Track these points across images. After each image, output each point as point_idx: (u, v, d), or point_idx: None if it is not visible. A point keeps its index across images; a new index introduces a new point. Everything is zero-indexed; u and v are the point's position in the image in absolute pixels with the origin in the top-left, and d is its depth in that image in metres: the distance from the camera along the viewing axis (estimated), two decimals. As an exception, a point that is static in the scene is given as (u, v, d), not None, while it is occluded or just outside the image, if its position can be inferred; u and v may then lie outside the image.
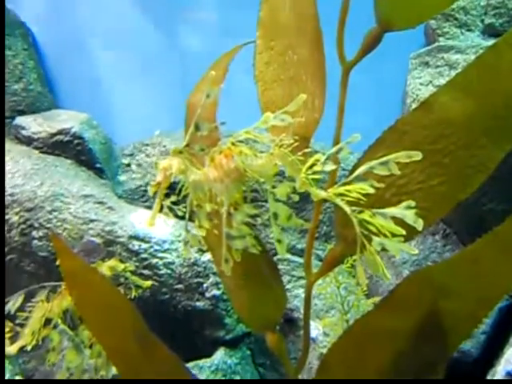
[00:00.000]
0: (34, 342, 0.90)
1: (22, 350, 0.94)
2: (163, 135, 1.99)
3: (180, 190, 0.56)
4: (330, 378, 0.63)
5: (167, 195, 0.56)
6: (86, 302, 0.66)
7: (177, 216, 0.57)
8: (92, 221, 1.70)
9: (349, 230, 0.53)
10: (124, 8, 2.09)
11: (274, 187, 0.54)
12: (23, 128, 1.94)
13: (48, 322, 0.91)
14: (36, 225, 1.71)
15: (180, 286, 1.65)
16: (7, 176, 1.75)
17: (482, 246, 0.56)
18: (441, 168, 0.59)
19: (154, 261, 1.65)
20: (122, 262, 1.07)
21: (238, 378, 1.61)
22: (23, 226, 1.71)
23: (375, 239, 0.51)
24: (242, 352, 1.67)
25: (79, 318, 0.88)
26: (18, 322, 0.94)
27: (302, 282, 1.69)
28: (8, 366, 1.66)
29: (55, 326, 0.89)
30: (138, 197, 1.92)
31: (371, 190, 0.51)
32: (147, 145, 1.98)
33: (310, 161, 0.53)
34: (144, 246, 1.67)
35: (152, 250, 1.66)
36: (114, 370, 0.86)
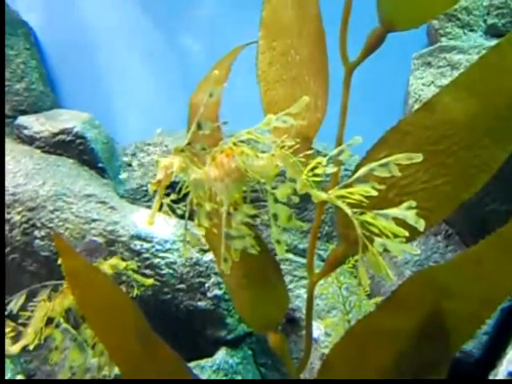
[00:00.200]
0: (36, 342, 0.91)
1: (24, 349, 0.95)
2: (165, 135, 1.99)
3: (180, 189, 0.56)
4: (331, 379, 0.63)
5: (168, 195, 0.56)
6: (89, 301, 0.66)
7: (179, 216, 0.57)
8: (94, 220, 1.70)
9: (351, 231, 0.53)
10: (126, 7, 2.09)
11: (274, 188, 0.54)
12: (25, 127, 1.94)
13: (50, 321, 0.91)
14: (38, 224, 1.71)
15: (182, 285, 1.65)
16: (9, 175, 1.76)
17: (485, 247, 0.56)
18: (444, 168, 0.59)
19: (156, 260, 1.66)
20: (123, 260, 1.07)
21: (239, 377, 1.61)
22: (25, 226, 1.71)
23: (377, 240, 0.50)
24: (244, 352, 1.67)
25: (81, 316, 0.88)
26: (20, 321, 0.94)
27: (304, 281, 1.69)
28: (9, 366, 1.66)
29: (57, 325, 0.89)
30: (140, 196, 1.92)
31: (374, 193, 0.51)
32: (149, 144, 1.98)
33: (312, 163, 0.53)
34: (146, 245, 1.67)
35: (154, 249, 1.67)
36: (116, 369, 0.86)
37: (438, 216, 0.60)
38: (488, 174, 0.58)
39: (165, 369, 0.65)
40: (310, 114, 0.68)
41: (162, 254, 1.66)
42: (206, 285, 1.65)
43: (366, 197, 0.51)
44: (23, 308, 0.93)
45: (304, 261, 1.72)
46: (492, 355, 1.45)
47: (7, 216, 1.71)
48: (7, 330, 0.93)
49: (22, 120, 1.97)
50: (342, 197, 0.52)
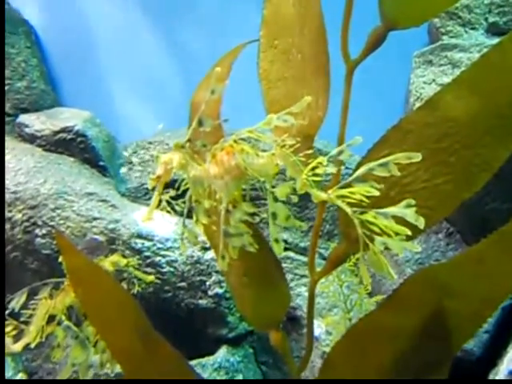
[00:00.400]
0: (38, 339, 0.91)
1: (26, 347, 0.95)
2: (166, 133, 1.99)
3: (179, 186, 0.56)
4: (333, 377, 0.63)
5: (167, 192, 0.56)
6: (90, 299, 0.66)
7: (180, 214, 0.57)
8: (95, 219, 1.71)
9: (352, 229, 0.53)
10: (127, 6, 2.09)
11: (274, 187, 0.54)
12: (26, 126, 1.94)
13: (52, 318, 0.91)
14: (39, 223, 1.71)
15: (183, 283, 1.65)
16: (10, 174, 1.76)
17: (487, 246, 0.56)
18: (445, 167, 0.59)
19: (157, 259, 1.66)
20: (124, 257, 1.07)
21: (240, 376, 1.61)
22: (26, 224, 1.71)
23: (378, 238, 0.50)
24: (245, 350, 1.67)
25: (83, 314, 0.88)
26: (22, 319, 0.94)
27: (305, 280, 1.69)
28: (11, 364, 1.66)
29: (59, 323, 0.89)
30: (141, 195, 1.92)
31: (375, 192, 0.51)
32: (150, 143, 1.98)
33: (313, 163, 0.53)
34: (147, 244, 1.67)
35: (155, 248, 1.67)
36: (118, 367, 0.86)
37: (439, 214, 0.60)
38: (489, 172, 0.58)
39: (166, 367, 0.65)
40: (311, 113, 0.68)
41: (163, 253, 1.66)
42: (207, 283, 1.66)
43: (367, 196, 0.51)
44: (25, 306, 0.93)
45: (305, 259, 1.72)
46: (493, 354, 1.45)
47: (8, 214, 1.71)
48: (9, 328, 0.93)
49: (23, 118, 1.97)
50: (342, 196, 0.52)
